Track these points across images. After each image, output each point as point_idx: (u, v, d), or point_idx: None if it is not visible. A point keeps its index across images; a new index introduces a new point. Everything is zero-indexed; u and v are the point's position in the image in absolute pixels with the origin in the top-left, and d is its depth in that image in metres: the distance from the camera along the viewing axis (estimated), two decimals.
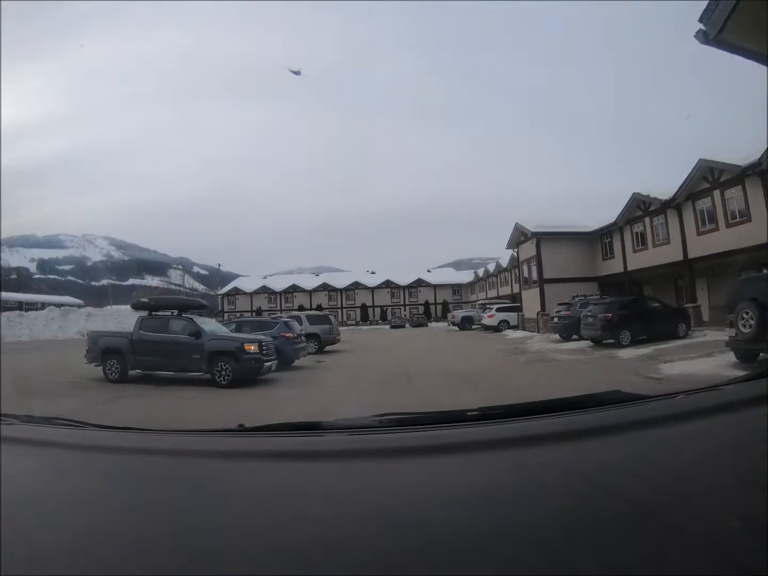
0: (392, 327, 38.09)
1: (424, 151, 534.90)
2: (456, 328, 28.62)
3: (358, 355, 14.35)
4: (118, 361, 8.51)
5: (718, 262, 14.75)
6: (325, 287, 49.94)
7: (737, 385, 0.96)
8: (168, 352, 8.41)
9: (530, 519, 0.54)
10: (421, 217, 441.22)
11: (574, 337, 14.31)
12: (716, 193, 14.68)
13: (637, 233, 18.72)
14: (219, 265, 78.82)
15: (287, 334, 10.88)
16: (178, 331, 8.63)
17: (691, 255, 15.71)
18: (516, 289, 27.18)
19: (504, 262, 32.18)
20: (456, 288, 49.56)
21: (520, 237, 23.53)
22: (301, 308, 41.00)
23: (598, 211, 22.01)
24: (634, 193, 18.28)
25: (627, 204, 18.67)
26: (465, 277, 49.72)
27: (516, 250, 24.66)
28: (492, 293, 36.88)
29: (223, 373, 8.01)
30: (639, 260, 18.48)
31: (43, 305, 35.25)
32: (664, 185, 17.06)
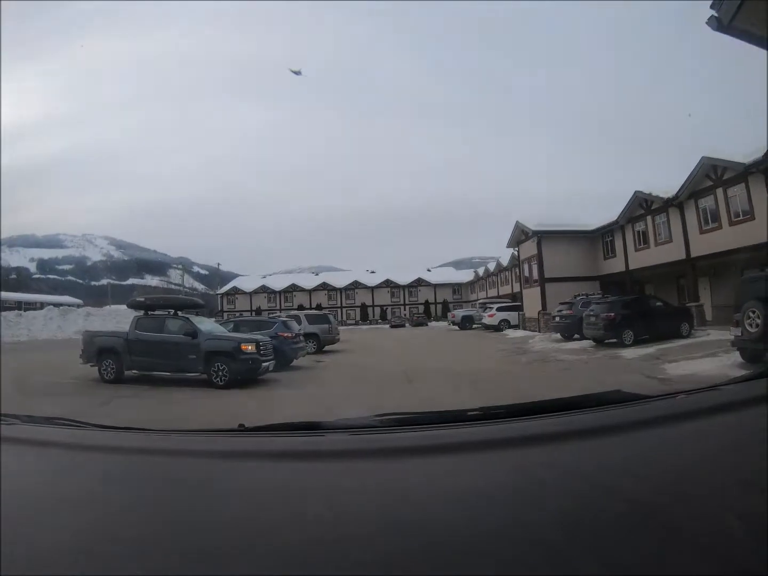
0: (392, 326, 37.96)
1: (424, 150, 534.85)
2: (456, 327, 28.55)
3: (358, 354, 14.30)
4: (114, 361, 8.43)
5: (721, 261, 14.67)
6: (324, 287, 49.93)
7: (737, 385, 0.96)
8: (164, 352, 8.33)
9: (530, 519, 0.54)
10: (421, 216, 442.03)
11: (576, 336, 14.26)
12: (719, 191, 14.61)
13: (638, 232, 18.62)
14: (218, 264, 78.94)
15: (285, 334, 10.84)
16: (174, 331, 8.55)
17: (694, 254, 15.63)
18: (516, 289, 27.12)
19: (504, 261, 32.11)
20: (456, 287, 49.49)
21: (520, 236, 23.49)
22: (300, 308, 40.94)
23: (598, 210, 22.06)
24: (635, 192, 18.16)
25: (629, 202, 18.54)
26: (465, 276, 49.62)
27: (516, 249, 24.62)
28: (492, 292, 36.83)
29: (220, 373, 7.94)
30: (641, 259, 18.38)
31: (42, 305, 35.24)
32: (665, 184, 17.03)
